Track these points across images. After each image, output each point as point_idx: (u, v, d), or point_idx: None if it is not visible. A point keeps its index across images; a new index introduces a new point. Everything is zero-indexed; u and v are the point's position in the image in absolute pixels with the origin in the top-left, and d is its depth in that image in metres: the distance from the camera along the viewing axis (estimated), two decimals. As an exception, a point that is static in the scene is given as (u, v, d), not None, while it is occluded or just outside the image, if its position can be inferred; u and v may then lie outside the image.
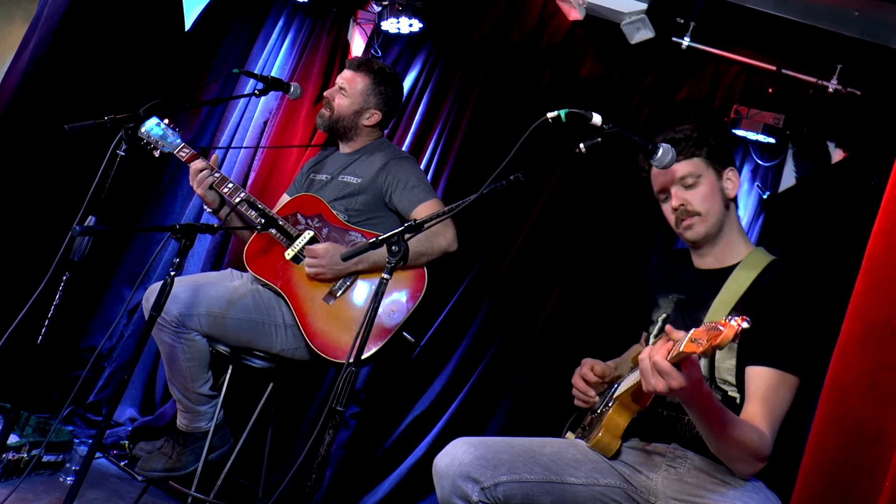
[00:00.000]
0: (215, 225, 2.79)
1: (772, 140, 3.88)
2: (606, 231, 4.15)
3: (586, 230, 4.16)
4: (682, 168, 2.47)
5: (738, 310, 2.32)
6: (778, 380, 2.17)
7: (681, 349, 1.77)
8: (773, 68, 3.97)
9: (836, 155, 3.91)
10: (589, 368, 2.64)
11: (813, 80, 3.88)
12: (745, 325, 1.65)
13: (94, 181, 2.87)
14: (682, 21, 4.07)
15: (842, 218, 3.72)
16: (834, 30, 3.77)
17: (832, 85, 3.84)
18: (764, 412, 2.14)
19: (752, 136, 3.89)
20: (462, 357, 4.17)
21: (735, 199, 2.55)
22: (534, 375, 4.07)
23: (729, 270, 2.45)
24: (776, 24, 3.85)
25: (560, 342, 4.08)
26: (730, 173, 2.53)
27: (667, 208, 2.54)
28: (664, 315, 2.57)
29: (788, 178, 4.05)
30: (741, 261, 2.46)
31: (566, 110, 2.28)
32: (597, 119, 2.33)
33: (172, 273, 2.65)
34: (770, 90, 3.87)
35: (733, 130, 3.91)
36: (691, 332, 1.77)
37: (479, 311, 4.20)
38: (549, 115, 2.31)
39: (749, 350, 2.26)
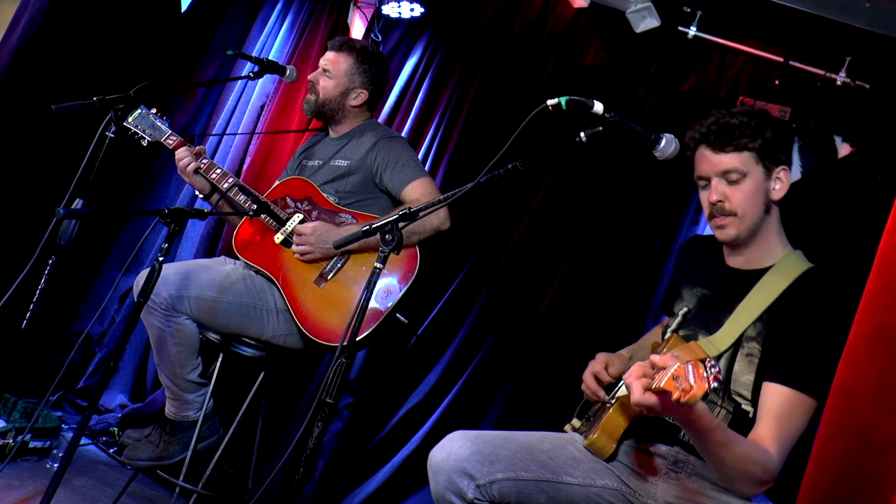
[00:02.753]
0: (206, 210, 2.72)
1: (777, 133, 3.79)
2: (609, 220, 4.08)
3: (588, 219, 4.09)
4: (729, 161, 2.27)
5: (763, 320, 2.21)
6: (795, 400, 2.06)
7: (661, 385, 1.66)
8: (781, 59, 3.88)
9: (843, 149, 3.82)
10: (603, 367, 2.51)
11: (821, 72, 3.79)
12: (714, 384, 1.57)
13: (82, 163, 2.81)
14: (689, 10, 3.98)
15: (848, 214, 3.65)
16: (843, 21, 3.70)
17: (840, 78, 3.75)
18: (775, 433, 2.03)
19: (757, 128, 3.81)
20: (459, 348, 4.11)
21: (781, 201, 2.35)
22: (532, 367, 4.00)
23: (760, 273, 2.29)
24: (784, 14, 3.78)
25: (559, 333, 4.01)
26: (781, 173, 2.32)
27: (704, 197, 2.35)
28: (685, 309, 2.43)
29: (794, 173, 3.96)
30: (774, 265, 2.30)
31: (566, 97, 2.22)
32: (598, 107, 2.26)
33: (161, 259, 2.59)
34: (777, 82, 3.79)
35: (738, 122, 3.83)
36: (675, 367, 1.65)
37: (477, 301, 4.13)
38: (550, 102, 2.24)
39: (768, 365, 2.15)
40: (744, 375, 2.21)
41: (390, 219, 2.40)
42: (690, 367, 1.62)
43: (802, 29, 3.80)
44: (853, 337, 1.33)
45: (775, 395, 2.09)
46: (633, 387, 1.77)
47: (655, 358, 1.78)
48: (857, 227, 3.59)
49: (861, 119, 3.71)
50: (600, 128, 2.24)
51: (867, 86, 3.73)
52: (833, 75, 3.77)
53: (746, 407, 2.20)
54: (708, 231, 3.92)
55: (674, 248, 4.03)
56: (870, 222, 3.60)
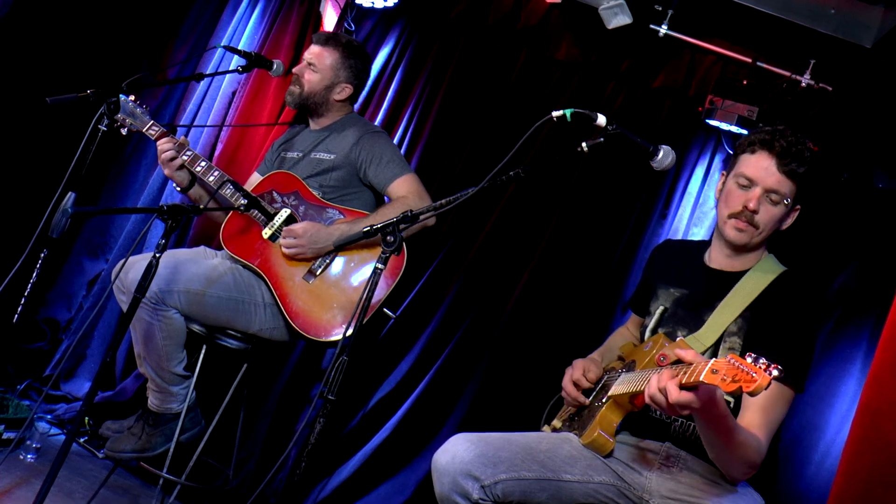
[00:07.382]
0: (201, 206, 2.72)
1: (745, 132, 3.91)
2: (578, 215, 4.16)
3: (558, 213, 4.16)
4: (782, 184, 2.38)
5: (744, 317, 2.35)
6: (779, 391, 2.21)
7: (700, 378, 1.76)
8: (749, 60, 4.01)
9: (807, 149, 3.96)
10: (581, 373, 2.63)
11: (787, 73, 3.92)
12: (775, 372, 1.66)
13: (67, 153, 2.80)
14: (661, 8, 4.07)
15: (810, 213, 3.78)
16: (810, 25, 3.84)
17: (805, 79, 3.89)
18: (762, 422, 2.19)
19: (725, 126, 3.91)
20: (430, 338, 4.16)
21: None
22: (502, 357, 4.08)
23: (739, 275, 2.45)
24: (753, 16, 3.90)
25: (529, 324, 4.10)
26: (795, 213, 2.49)
27: (740, 195, 2.42)
28: (662, 308, 2.56)
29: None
30: (752, 266, 2.46)
31: (571, 110, 2.27)
32: (601, 120, 2.32)
33: (158, 255, 2.60)
34: (745, 82, 3.90)
35: (707, 121, 3.93)
36: (711, 362, 1.76)
37: (448, 292, 4.19)
38: (555, 114, 2.30)
39: None
40: None
41: (391, 221, 2.44)
42: (735, 361, 1.71)
43: (770, 31, 3.93)
44: (878, 363, 1.43)
45: None
46: (670, 388, 1.87)
47: (682, 353, 1.91)
48: (818, 227, 3.73)
49: (824, 120, 3.86)
50: (602, 139, 2.30)
51: (830, 88, 3.88)
52: (798, 77, 3.90)
53: (726, 397, 2.33)
54: (671, 234, 4.07)
55: (641, 244, 4.14)
56: (831, 222, 3.77)
